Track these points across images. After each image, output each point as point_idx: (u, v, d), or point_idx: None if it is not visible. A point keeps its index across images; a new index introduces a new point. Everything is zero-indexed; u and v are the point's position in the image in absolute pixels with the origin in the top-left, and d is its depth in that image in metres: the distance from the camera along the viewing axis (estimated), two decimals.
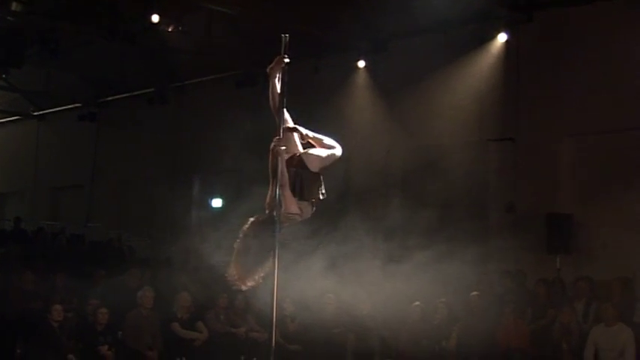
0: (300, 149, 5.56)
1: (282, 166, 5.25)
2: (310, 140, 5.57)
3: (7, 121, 25.56)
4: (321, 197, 5.45)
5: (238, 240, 5.28)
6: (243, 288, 5.37)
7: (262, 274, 5.27)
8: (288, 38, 5.56)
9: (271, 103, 5.52)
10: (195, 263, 14.72)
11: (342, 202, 14.11)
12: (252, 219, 5.37)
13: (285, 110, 5.46)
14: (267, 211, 5.34)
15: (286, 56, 5.48)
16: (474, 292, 11.25)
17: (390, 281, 11.20)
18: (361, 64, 15.70)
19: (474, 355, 10.59)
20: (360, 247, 10.29)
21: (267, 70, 5.55)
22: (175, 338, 11.47)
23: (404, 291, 11.32)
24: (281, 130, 5.42)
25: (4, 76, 18.73)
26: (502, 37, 13.84)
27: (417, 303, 11.39)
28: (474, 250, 11.71)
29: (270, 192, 5.35)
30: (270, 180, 5.36)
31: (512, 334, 10.61)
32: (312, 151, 5.51)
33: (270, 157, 5.35)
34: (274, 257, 5.30)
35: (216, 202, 18.38)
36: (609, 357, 9.84)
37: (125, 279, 12.55)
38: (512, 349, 10.52)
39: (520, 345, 10.55)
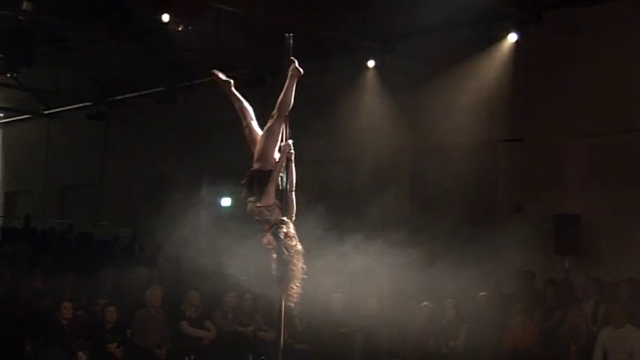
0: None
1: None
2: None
3: (17, 120, 25.67)
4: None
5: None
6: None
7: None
8: (292, 38, 5.63)
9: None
10: (203, 262, 14.74)
11: (349, 202, 14.10)
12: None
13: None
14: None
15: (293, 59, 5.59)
16: (482, 293, 11.25)
17: (397, 281, 11.19)
18: (370, 64, 15.67)
19: (481, 356, 10.59)
20: (367, 247, 10.29)
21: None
22: (184, 337, 11.52)
23: (412, 291, 11.32)
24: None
25: (14, 74, 18.79)
26: (511, 38, 13.79)
27: (425, 303, 11.40)
28: (481, 251, 11.70)
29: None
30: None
31: (521, 335, 10.59)
32: None
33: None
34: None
35: (225, 202, 18.37)
36: (618, 359, 9.79)
37: (134, 278, 12.59)
38: (520, 350, 10.51)
39: (528, 346, 10.53)
